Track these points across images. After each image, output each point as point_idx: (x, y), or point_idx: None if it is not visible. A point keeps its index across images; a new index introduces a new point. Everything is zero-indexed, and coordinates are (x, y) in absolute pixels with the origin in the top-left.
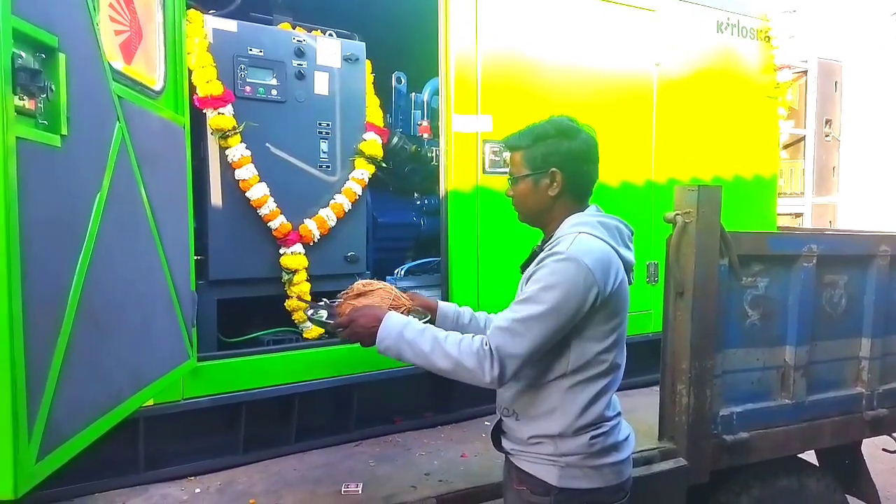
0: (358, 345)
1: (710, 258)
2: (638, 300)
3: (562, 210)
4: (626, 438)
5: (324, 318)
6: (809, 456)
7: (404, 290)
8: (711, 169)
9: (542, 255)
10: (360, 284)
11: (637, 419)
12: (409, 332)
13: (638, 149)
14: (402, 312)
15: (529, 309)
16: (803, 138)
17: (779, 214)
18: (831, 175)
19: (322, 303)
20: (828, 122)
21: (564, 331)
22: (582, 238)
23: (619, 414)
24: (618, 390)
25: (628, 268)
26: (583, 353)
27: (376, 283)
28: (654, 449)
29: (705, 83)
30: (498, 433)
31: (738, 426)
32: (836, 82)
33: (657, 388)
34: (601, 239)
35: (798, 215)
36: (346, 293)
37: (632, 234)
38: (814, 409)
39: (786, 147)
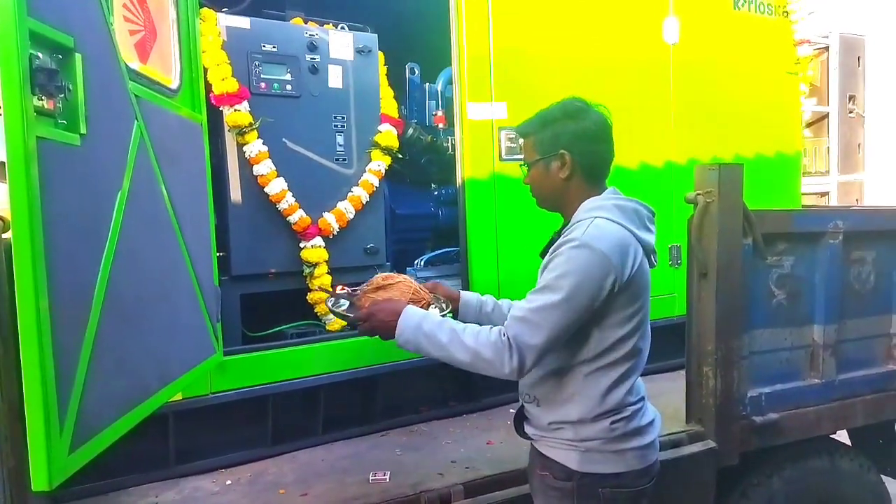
0: (377, 337)
1: (734, 238)
2: (661, 284)
3: (577, 193)
4: (651, 423)
5: (343, 311)
6: (842, 437)
7: (424, 279)
8: (732, 147)
9: (558, 241)
10: (379, 278)
11: (663, 403)
12: (427, 325)
13: (656, 129)
14: (422, 306)
15: (546, 298)
16: (827, 116)
17: (804, 194)
18: (856, 152)
19: (344, 292)
20: (851, 98)
21: (583, 318)
22: (598, 223)
23: (642, 399)
24: (643, 375)
25: (648, 250)
26: (603, 338)
27: (396, 277)
28: (682, 432)
29: (723, 60)
30: (521, 419)
31: (767, 407)
32: (858, 57)
33: (683, 373)
34: (617, 223)
35: (824, 194)
36: (367, 286)
37: (652, 216)
38: (844, 388)
39: (809, 125)
